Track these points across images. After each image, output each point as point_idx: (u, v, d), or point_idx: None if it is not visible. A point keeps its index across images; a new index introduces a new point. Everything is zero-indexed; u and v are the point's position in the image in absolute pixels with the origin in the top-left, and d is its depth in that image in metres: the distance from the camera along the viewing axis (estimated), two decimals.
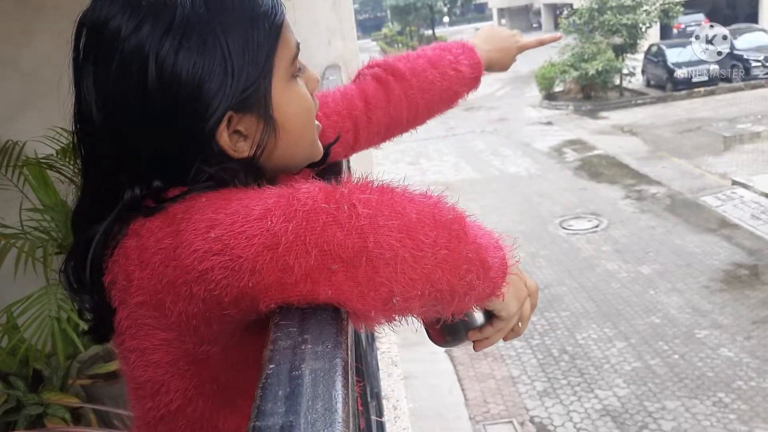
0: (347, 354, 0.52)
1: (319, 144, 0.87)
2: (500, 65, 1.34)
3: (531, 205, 11.89)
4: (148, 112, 0.70)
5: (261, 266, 0.60)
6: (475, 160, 15.43)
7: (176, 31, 0.69)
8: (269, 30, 0.74)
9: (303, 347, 0.52)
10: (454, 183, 13.76)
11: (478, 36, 1.34)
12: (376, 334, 2.40)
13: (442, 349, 7.38)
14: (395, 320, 0.67)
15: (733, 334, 7.07)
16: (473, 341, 0.84)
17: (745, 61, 18.95)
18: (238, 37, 0.72)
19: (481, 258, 0.69)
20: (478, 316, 0.81)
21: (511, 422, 6.05)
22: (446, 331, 0.83)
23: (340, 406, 0.45)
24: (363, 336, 1.53)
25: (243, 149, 0.75)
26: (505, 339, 0.85)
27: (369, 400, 1.28)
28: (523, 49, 1.36)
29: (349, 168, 1.71)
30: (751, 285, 8.10)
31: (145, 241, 0.68)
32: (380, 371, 2.66)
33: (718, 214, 10.31)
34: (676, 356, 6.80)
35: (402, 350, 7.19)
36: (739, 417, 5.83)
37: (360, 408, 1.01)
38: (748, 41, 19.68)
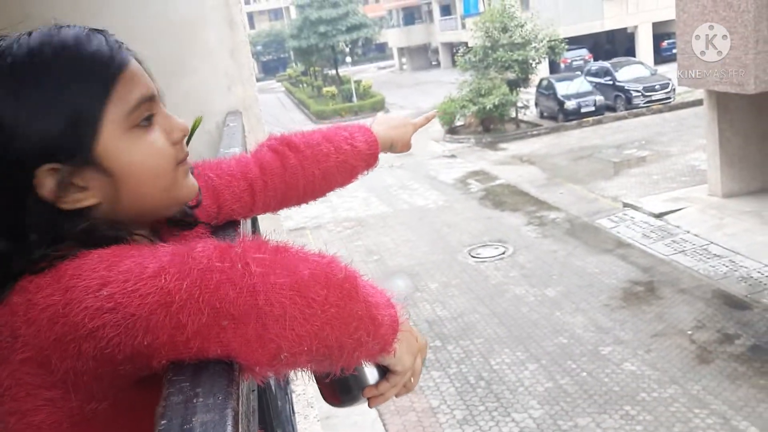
0: (238, 404, 0.54)
1: (186, 189, 0.86)
2: (401, 144, 1.41)
3: (440, 235, 12.18)
4: None
5: (154, 324, 0.61)
6: (385, 194, 15.67)
7: None
8: (98, 82, 0.73)
9: (195, 401, 0.54)
10: (365, 218, 13.90)
11: (374, 120, 1.42)
12: (290, 378, 2.38)
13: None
14: (284, 373, 0.69)
15: (634, 349, 7.46)
16: (368, 398, 0.86)
17: (627, 92, 20.47)
18: (60, 88, 0.71)
19: (372, 315, 0.73)
20: (372, 373, 0.83)
21: None
22: (340, 391, 0.84)
23: None
24: (273, 381, 1.53)
25: (80, 200, 0.74)
26: (397, 395, 0.87)
27: None
28: (416, 128, 1.45)
29: (254, 226, 1.73)
30: (647, 301, 8.61)
31: (33, 297, 0.66)
32: (297, 414, 2.63)
33: (612, 235, 10.94)
34: (584, 374, 7.10)
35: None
36: (645, 428, 6.14)
37: None
38: (628, 73, 21.29)
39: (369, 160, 1.33)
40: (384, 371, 0.83)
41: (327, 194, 1.31)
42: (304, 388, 2.59)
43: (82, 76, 0.73)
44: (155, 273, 0.63)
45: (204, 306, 0.61)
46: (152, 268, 0.64)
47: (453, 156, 19.06)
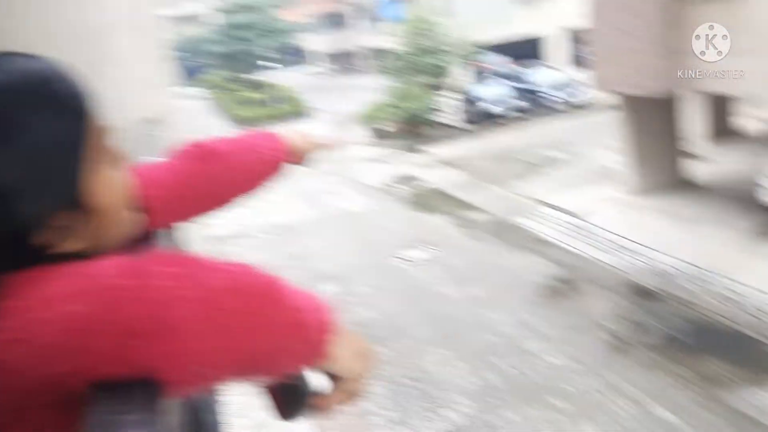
0: (166, 420, 0.53)
1: (132, 218, 0.85)
2: (301, 156, 1.43)
3: (368, 239, 12.24)
4: None
5: (64, 351, 0.59)
6: (312, 200, 15.59)
7: None
8: (74, 123, 0.72)
9: (116, 420, 0.53)
10: (292, 224, 13.80)
11: (288, 130, 1.45)
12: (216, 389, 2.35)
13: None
14: (210, 387, 0.68)
15: (555, 342, 7.75)
16: (317, 407, 0.85)
17: (542, 95, 21.26)
18: (51, 133, 0.69)
19: (298, 321, 0.72)
20: (320, 382, 0.82)
21: None
22: (287, 404, 0.83)
23: None
24: (202, 397, 1.51)
25: (68, 243, 0.72)
26: (344, 403, 0.86)
27: None
28: (319, 148, 1.48)
29: (172, 239, 1.70)
30: (566, 295, 8.96)
31: None
32: (224, 424, 2.59)
33: (533, 234, 11.32)
34: (510, 368, 7.31)
35: (253, 398, 7.04)
36: (569, 418, 6.39)
37: None
38: (543, 77, 22.11)
39: (278, 167, 1.37)
40: (333, 378, 0.82)
41: (245, 199, 1.33)
42: (231, 398, 2.56)
43: (65, 116, 0.71)
44: (58, 298, 0.61)
45: (110, 327, 0.59)
46: (55, 293, 0.61)
47: (379, 160, 19.19)
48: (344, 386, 0.82)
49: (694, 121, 14.03)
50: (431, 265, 10.56)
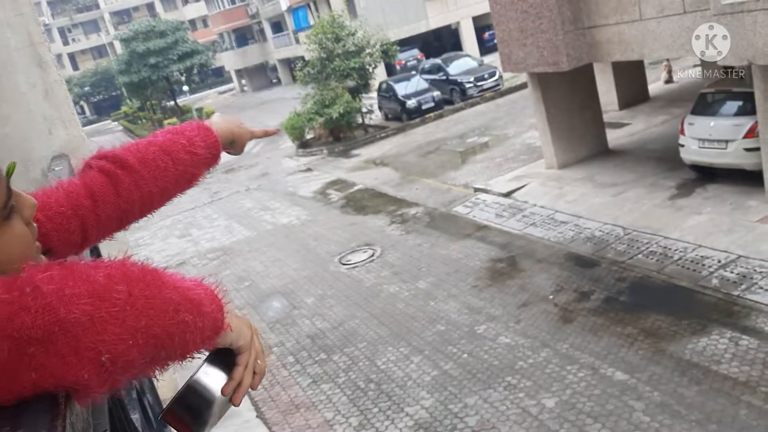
0: None
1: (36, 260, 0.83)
2: (240, 143, 1.37)
3: (309, 249, 12.16)
4: None
5: None
6: (246, 218, 15.38)
7: None
8: None
9: None
10: (229, 246, 13.56)
11: (214, 117, 1.39)
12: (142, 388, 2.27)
13: (253, 417, 7.17)
14: (119, 382, 0.67)
15: (505, 322, 7.90)
16: (230, 396, 0.86)
17: (460, 84, 21.65)
18: None
19: (188, 297, 0.74)
20: (215, 378, 0.83)
21: None
22: (191, 419, 0.80)
23: None
24: (123, 393, 1.46)
25: None
26: (253, 383, 0.88)
27: None
28: (253, 136, 1.43)
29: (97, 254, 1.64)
30: (509, 275, 9.15)
31: None
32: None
33: (470, 220, 11.51)
34: (465, 355, 7.40)
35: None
36: (527, 393, 6.52)
37: None
38: (458, 67, 22.51)
39: (210, 162, 1.29)
40: (226, 368, 0.84)
41: (166, 205, 1.27)
42: (165, 398, 2.49)
43: None
44: None
45: (1, 341, 0.59)
46: None
47: (308, 169, 19.10)
48: (245, 357, 0.86)
49: (608, 91, 14.59)
50: (374, 265, 10.58)
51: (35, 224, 0.82)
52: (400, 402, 6.88)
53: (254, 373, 0.89)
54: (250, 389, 0.91)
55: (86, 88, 55.07)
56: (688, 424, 5.61)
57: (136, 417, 1.17)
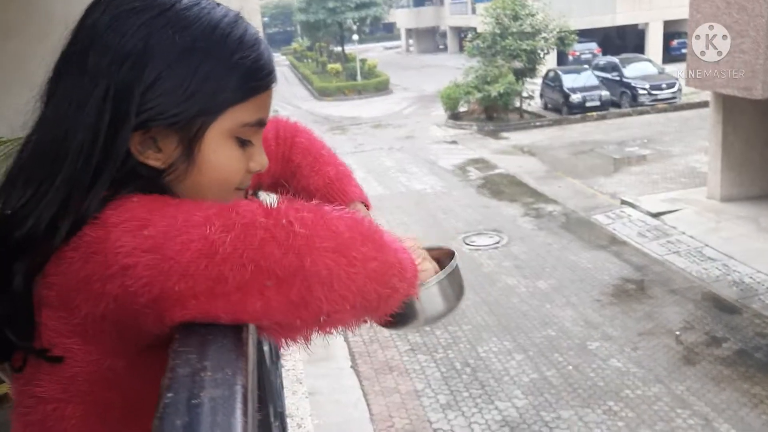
0: (247, 380, 0.52)
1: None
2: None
3: (436, 220, 12.17)
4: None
5: (194, 272, 0.60)
6: (383, 176, 15.62)
7: (173, 22, 0.71)
8: (243, 83, 0.74)
9: (202, 374, 0.52)
10: None
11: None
12: (281, 351, 2.38)
13: (347, 366, 7.37)
14: (322, 334, 0.69)
15: (621, 345, 7.50)
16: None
17: (633, 89, 20.39)
18: (213, 68, 0.72)
19: (399, 260, 0.73)
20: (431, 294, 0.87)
21: None
22: (401, 321, 0.84)
23: None
24: (267, 354, 1.51)
25: (150, 157, 0.73)
26: None
27: (272, 420, 1.27)
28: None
29: None
30: (637, 299, 8.64)
31: (72, 239, 0.65)
32: (285, 389, 2.63)
33: (608, 232, 10.95)
34: (570, 367, 7.14)
35: (307, 366, 7.12)
36: (627, 424, 6.19)
37: None
38: (635, 70, 21.20)
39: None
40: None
41: None
42: (294, 363, 2.60)
43: (238, 71, 0.74)
44: (200, 222, 0.63)
45: (248, 262, 0.61)
46: (197, 217, 0.64)
47: (454, 142, 19.00)
48: None
49: None
50: (498, 253, 10.40)
51: (249, 182, 0.85)
52: (492, 394, 6.78)
53: None
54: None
55: (265, 19, 57.96)
56: None
57: (266, 349, 1.21)
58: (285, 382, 2.65)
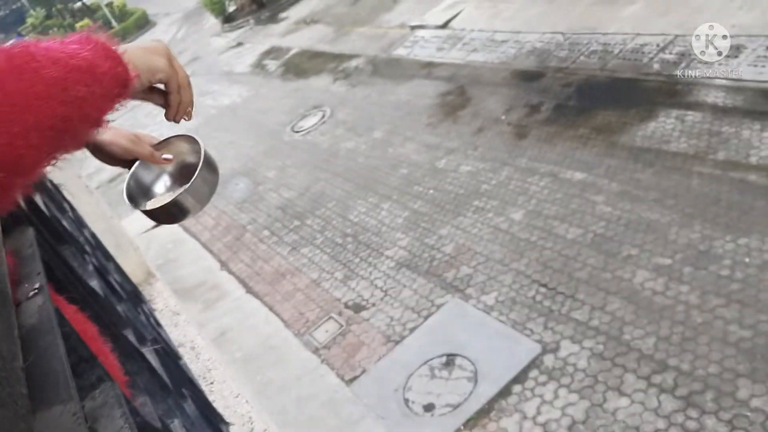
0: None
1: None
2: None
3: (259, 125, 11.96)
4: None
5: None
6: None
7: None
8: None
9: None
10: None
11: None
12: (139, 291, 2.37)
13: (243, 293, 7.41)
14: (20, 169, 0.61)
15: (464, 151, 8.03)
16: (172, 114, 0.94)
17: None
18: None
19: (74, 66, 0.66)
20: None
21: (330, 318, 6.40)
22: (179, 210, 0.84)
23: None
24: (105, 289, 1.51)
25: None
26: (188, 114, 0.96)
27: (137, 345, 1.30)
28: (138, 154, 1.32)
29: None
30: (460, 105, 9.16)
31: None
32: (165, 325, 2.64)
33: (412, 60, 11.29)
34: (431, 191, 7.60)
35: (206, 312, 7.08)
36: (495, 212, 6.79)
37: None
38: None
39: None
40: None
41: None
42: (165, 303, 2.60)
43: None
44: None
45: None
46: None
47: (239, 44, 18.27)
48: (178, 83, 0.88)
49: None
50: (327, 126, 10.49)
51: None
52: (379, 248, 7.13)
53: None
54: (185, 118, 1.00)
55: None
56: (648, 204, 5.94)
57: (94, 283, 1.22)
58: (162, 320, 2.65)
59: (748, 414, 3.92)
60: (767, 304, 4.56)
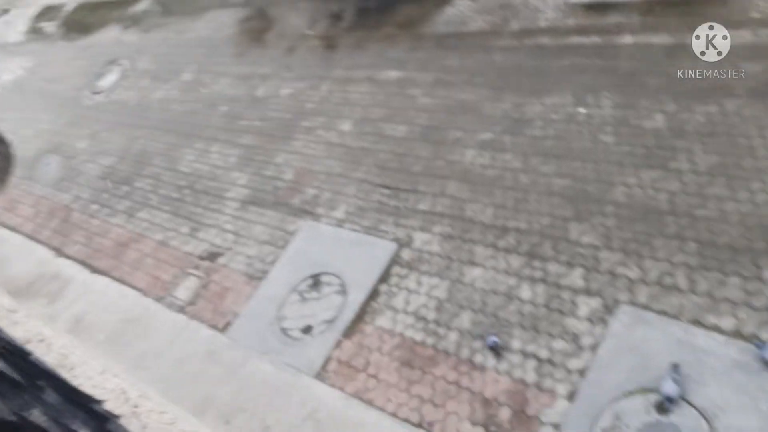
0: None
1: None
2: None
3: (53, 94, 10.85)
4: None
5: None
6: None
7: None
8: None
9: None
10: None
11: None
12: None
13: (88, 275, 6.93)
14: None
15: (279, 75, 7.87)
16: None
17: None
18: None
19: None
20: None
21: (187, 274, 6.21)
22: None
23: None
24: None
25: None
26: None
27: None
28: None
29: None
30: (264, 28, 8.87)
31: None
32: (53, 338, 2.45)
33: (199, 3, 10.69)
34: (257, 123, 7.42)
35: (55, 304, 6.58)
36: (324, 128, 6.80)
37: None
38: None
39: None
40: None
41: None
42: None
43: None
44: None
45: None
46: None
47: (4, 11, 16.13)
48: None
49: None
50: (130, 80, 9.76)
51: None
52: (218, 192, 6.94)
53: None
54: None
55: None
56: (460, 87, 6.24)
57: None
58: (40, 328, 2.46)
59: (582, 251, 4.43)
60: (578, 152, 5.07)
